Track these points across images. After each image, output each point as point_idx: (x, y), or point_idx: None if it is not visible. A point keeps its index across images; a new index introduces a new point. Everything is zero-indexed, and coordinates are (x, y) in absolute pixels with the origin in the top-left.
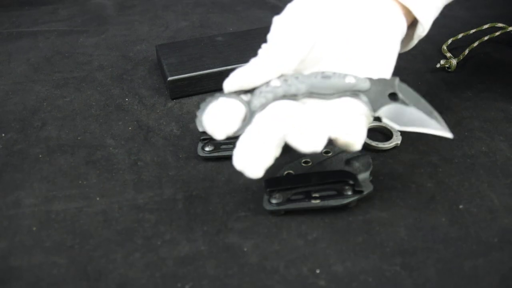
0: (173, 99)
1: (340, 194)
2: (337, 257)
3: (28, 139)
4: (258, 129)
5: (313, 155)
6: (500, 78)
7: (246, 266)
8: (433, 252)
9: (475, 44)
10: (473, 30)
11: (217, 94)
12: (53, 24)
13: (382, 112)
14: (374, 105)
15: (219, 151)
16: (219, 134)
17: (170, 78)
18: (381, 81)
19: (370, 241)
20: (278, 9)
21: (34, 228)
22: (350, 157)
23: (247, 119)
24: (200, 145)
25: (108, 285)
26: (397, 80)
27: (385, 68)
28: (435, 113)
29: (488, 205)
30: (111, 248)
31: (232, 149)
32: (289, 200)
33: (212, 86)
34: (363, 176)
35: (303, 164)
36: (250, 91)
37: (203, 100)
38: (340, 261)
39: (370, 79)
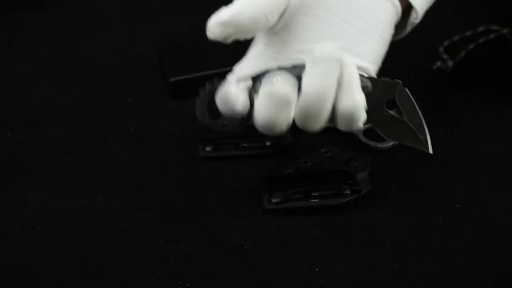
0: (174, 100)
1: (339, 193)
2: (335, 255)
3: (32, 139)
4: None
5: (312, 155)
6: (496, 79)
7: (246, 264)
8: (430, 250)
9: (471, 46)
10: (469, 32)
11: (217, 79)
12: (57, 27)
13: (376, 123)
14: (371, 112)
15: (220, 151)
16: (238, 109)
17: (171, 79)
18: (382, 83)
19: (368, 240)
20: None
21: (38, 227)
22: (349, 157)
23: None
24: (200, 145)
25: (110, 282)
26: (399, 85)
27: (373, 51)
28: (424, 128)
29: (484, 204)
30: (113, 246)
31: (232, 149)
32: (288, 199)
33: None
34: (362, 175)
35: (303, 164)
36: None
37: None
38: (338, 259)
39: (372, 79)
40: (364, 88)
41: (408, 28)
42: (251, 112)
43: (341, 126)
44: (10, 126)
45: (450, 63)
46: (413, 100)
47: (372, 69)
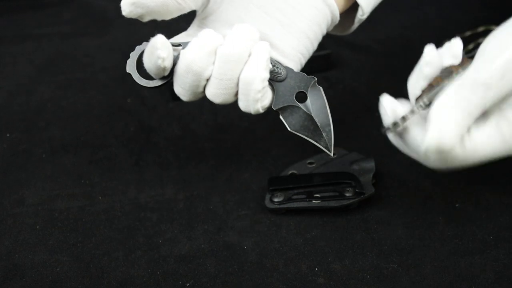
0: (174, 100)
1: (342, 195)
2: (335, 255)
3: (32, 139)
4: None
5: (318, 157)
6: None
7: (246, 264)
8: (429, 250)
9: (471, 46)
10: (469, 33)
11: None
12: (57, 27)
13: (281, 109)
14: (278, 99)
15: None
16: (163, 56)
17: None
18: (298, 74)
19: (368, 240)
20: None
21: (38, 227)
22: (354, 159)
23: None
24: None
25: (110, 282)
26: (314, 81)
27: (293, 47)
28: (330, 129)
29: (484, 203)
30: (113, 246)
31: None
32: (290, 199)
33: None
34: (366, 178)
35: (308, 165)
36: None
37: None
38: (338, 259)
39: (288, 69)
40: (276, 73)
41: (356, 24)
42: (173, 69)
43: (240, 98)
44: (10, 126)
45: None
46: (325, 99)
47: (289, 64)
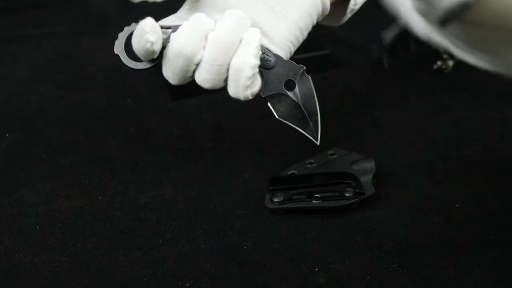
0: (173, 100)
1: (342, 195)
2: (335, 255)
3: (31, 139)
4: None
5: (318, 157)
6: (496, 79)
7: (246, 264)
8: (430, 250)
9: None
10: None
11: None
12: (56, 27)
13: (270, 96)
14: (267, 87)
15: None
16: (151, 40)
17: None
18: (287, 63)
19: (368, 240)
20: None
21: (38, 227)
22: (354, 160)
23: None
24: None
25: (110, 283)
26: (303, 70)
27: (283, 36)
28: (317, 118)
29: (484, 204)
30: (113, 246)
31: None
32: (290, 200)
33: None
34: (366, 178)
35: (308, 165)
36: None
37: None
38: (338, 259)
39: (278, 57)
40: (265, 61)
41: (348, 14)
42: (162, 52)
43: (230, 84)
44: (10, 126)
45: (450, 63)
46: (313, 89)
47: (279, 52)
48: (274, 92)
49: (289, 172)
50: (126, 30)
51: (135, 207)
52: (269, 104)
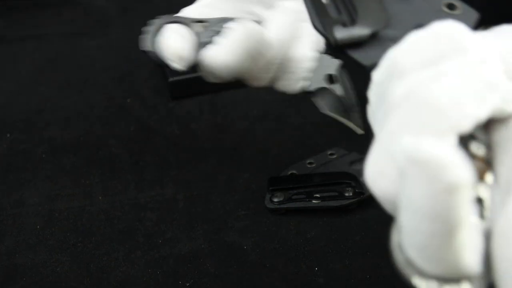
0: (174, 100)
1: (341, 195)
2: (335, 255)
3: (32, 139)
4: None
5: (318, 157)
6: None
7: (246, 264)
8: None
9: None
10: None
11: (166, 17)
12: (57, 27)
13: (315, 90)
14: (312, 83)
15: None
16: (179, 59)
17: (171, 79)
18: (326, 58)
19: (368, 239)
20: None
21: (38, 227)
22: (354, 159)
23: (197, 50)
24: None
25: (110, 282)
26: (340, 63)
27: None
28: (358, 108)
29: None
30: (113, 246)
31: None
32: (290, 199)
33: (213, 86)
34: None
35: (308, 165)
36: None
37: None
38: (338, 259)
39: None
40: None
41: None
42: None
43: (283, 77)
44: (10, 126)
45: None
46: (350, 82)
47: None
48: (317, 87)
49: (289, 172)
50: (154, 27)
51: (135, 206)
52: (313, 100)
